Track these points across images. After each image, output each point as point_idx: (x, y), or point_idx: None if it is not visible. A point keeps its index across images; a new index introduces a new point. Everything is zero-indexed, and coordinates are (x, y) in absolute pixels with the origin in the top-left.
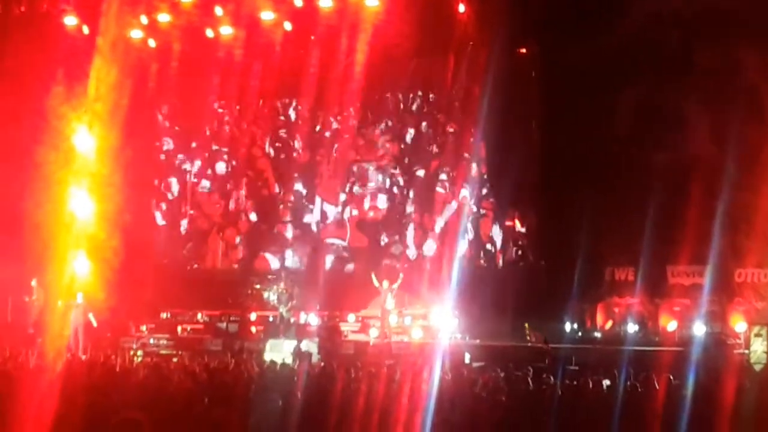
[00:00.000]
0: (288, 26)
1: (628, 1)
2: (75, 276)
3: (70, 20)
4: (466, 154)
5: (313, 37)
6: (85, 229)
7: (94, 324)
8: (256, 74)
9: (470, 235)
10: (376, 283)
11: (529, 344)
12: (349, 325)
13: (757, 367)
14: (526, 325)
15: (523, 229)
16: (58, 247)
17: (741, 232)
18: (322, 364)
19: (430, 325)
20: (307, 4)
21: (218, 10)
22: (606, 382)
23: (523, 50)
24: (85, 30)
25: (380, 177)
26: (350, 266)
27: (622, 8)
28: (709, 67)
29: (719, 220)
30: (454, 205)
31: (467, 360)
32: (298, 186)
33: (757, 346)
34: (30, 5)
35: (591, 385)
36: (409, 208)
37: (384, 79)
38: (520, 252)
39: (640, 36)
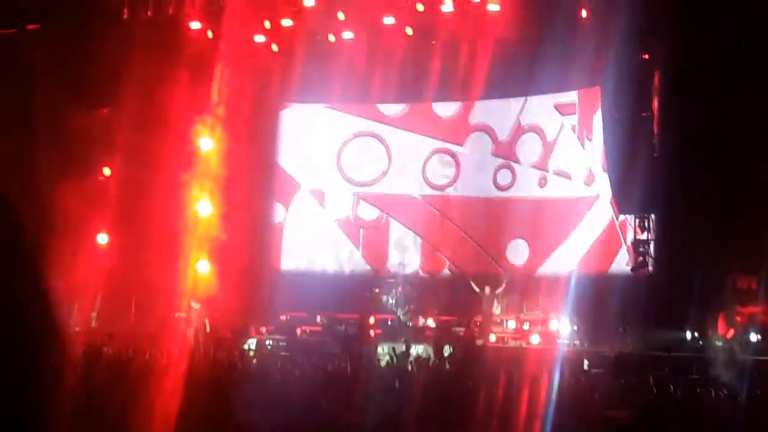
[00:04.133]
0: (409, 31)
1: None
2: (197, 278)
3: (195, 25)
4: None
5: (434, 42)
6: (208, 231)
7: (207, 329)
8: (378, 79)
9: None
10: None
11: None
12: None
13: None
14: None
15: (643, 236)
16: (182, 249)
17: None
18: (440, 367)
19: (548, 331)
20: (429, 9)
21: (340, 15)
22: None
23: (646, 56)
24: (210, 34)
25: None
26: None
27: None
28: None
29: None
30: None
31: (586, 367)
32: None
33: None
34: (156, 10)
35: (713, 395)
36: None
37: (507, 84)
38: (640, 259)
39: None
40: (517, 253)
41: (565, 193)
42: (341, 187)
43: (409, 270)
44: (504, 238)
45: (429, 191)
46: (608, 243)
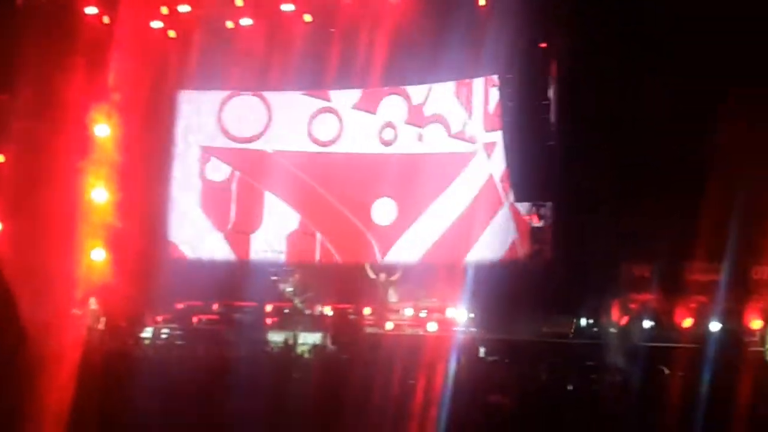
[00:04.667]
0: (308, 18)
1: None
2: (92, 266)
3: (91, 10)
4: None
5: (333, 30)
6: (103, 219)
7: (102, 325)
8: (276, 66)
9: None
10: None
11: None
12: (365, 318)
13: None
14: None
15: (540, 224)
16: (78, 236)
17: (758, 228)
18: (337, 355)
19: (445, 318)
20: None
21: (238, 1)
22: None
23: (544, 44)
24: (106, 20)
25: None
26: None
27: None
28: (737, 58)
29: (736, 217)
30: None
31: (482, 354)
32: None
33: None
34: None
35: (606, 381)
36: None
37: (405, 72)
38: (536, 246)
39: (661, 29)
40: (384, 212)
41: (439, 148)
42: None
43: (282, 251)
44: (370, 198)
45: (309, 148)
46: (486, 202)
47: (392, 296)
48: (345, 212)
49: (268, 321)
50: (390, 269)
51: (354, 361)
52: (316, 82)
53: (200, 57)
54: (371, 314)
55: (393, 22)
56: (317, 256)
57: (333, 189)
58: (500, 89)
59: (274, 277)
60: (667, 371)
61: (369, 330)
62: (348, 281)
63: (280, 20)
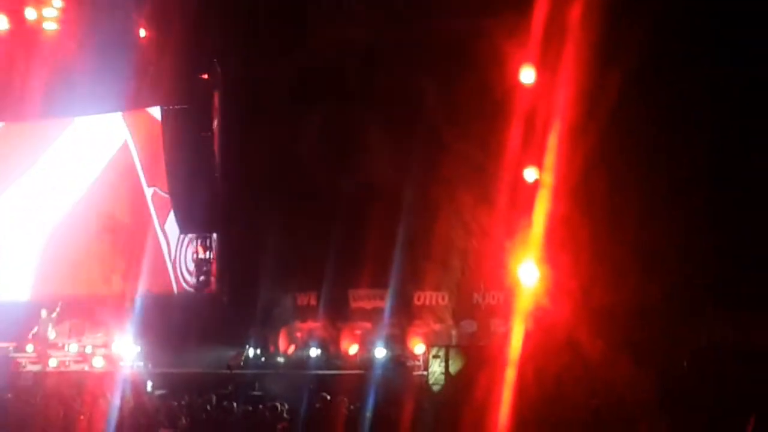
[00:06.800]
0: None
1: (309, 28)
2: None
3: None
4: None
5: None
6: None
7: None
8: None
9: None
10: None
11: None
12: (27, 355)
13: (436, 388)
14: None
15: (205, 255)
16: None
17: (419, 256)
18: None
19: (111, 353)
20: None
21: None
22: (286, 406)
23: (205, 75)
24: None
25: None
26: None
27: (304, 35)
28: (388, 94)
29: (399, 245)
30: None
31: (149, 388)
32: None
33: (435, 368)
34: None
35: (272, 410)
36: None
37: (66, 103)
38: (202, 278)
39: (323, 62)
40: None
41: None
42: None
43: None
44: None
45: None
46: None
47: (51, 333)
48: None
49: None
50: (50, 305)
51: (15, 401)
52: None
53: None
54: (33, 352)
55: (51, 54)
56: None
57: None
58: (163, 121)
59: None
60: (329, 398)
61: (31, 368)
62: (5, 318)
63: None
